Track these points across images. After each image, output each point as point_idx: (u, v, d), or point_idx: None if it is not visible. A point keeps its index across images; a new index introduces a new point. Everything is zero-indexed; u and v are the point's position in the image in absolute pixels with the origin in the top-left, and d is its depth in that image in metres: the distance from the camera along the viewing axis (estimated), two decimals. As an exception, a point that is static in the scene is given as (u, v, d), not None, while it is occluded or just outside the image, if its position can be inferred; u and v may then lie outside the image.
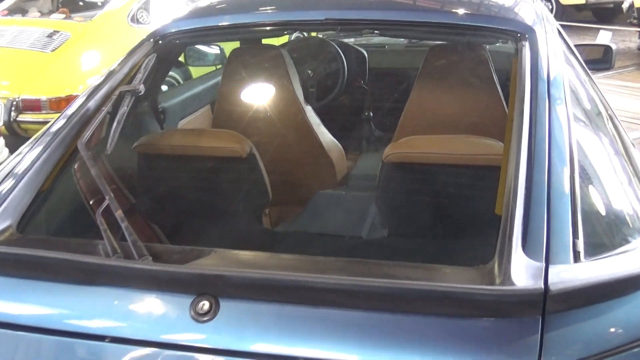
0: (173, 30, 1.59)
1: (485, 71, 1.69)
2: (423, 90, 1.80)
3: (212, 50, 2.93)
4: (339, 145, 2.01)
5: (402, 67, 2.74)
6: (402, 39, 2.97)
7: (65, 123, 1.21)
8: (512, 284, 0.75)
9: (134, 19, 4.08)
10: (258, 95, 1.92)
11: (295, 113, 1.88)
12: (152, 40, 1.55)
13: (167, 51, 1.65)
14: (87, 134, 1.17)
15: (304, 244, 1.42)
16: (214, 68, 2.99)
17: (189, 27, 1.62)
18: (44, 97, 3.37)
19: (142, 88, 1.34)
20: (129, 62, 1.44)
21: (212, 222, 1.42)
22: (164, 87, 2.59)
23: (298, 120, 1.88)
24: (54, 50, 3.71)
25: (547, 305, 0.72)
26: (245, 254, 0.97)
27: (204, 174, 1.52)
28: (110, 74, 1.39)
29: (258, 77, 1.90)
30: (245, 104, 1.91)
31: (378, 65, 2.81)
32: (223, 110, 1.95)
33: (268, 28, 1.64)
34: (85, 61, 3.75)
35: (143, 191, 1.46)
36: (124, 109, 1.28)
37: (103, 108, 1.26)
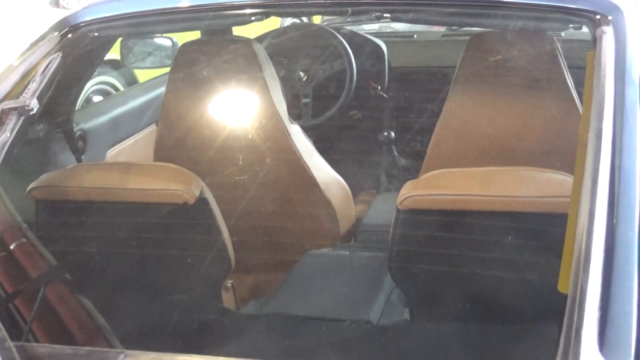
0: (89, 18, 1.60)
1: (554, 71, 1.70)
2: (463, 98, 1.82)
3: (163, 42, 2.95)
4: (343, 182, 2.04)
5: (438, 65, 2.79)
6: (437, 26, 3.05)
7: None
8: None
9: (56, 2, 4.16)
10: (219, 110, 1.94)
11: (274, 136, 1.90)
12: (57, 33, 1.56)
13: (83, 48, 1.68)
14: None
15: (284, 333, 1.40)
16: (166, 70, 3.02)
17: (115, 13, 1.64)
18: None
19: (34, 104, 1.33)
20: (22, 66, 1.44)
21: (140, 302, 1.42)
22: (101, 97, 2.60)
23: (279, 146, 1.90)
24: None
25: None
26: None
27: (132, 231, 1.52)
28: None
29: (219, 84, 1.93)
30: (199, 123, 1.93)
31: (403, 63, 2.86)
32: (167, 134, 1.97)
33: (238, 11, 1.68)
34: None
35: (40, 258, 1.45)
36: (5, 136, 1.26)
37: None
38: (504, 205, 1.32)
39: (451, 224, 1.36)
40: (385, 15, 1.65)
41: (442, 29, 3.09)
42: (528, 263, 1.29)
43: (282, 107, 1.93)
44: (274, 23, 3.08)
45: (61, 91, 1.74)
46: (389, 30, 3.27)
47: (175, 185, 1.47)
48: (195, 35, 2.21)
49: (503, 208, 1.32)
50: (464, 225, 1.35)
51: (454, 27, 2.98)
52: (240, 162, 1.88)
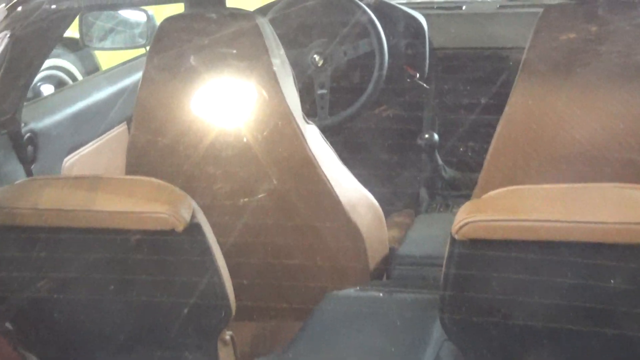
0: None
1: None
2: (534, 91, 1.81)
3: (134, 17, 2.95)
4: (373, 200, 2.06)
5: (495, 46, 2.82)
6: None
7: None
8: None
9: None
10: (213, 107, 1.95)
11: (286, 141, 1.92)
12: (3, 6, 1.58)
13: (36, 25, 1.70)
14: None
15: None
16: (140, 52, 3.02)
17: None
18: None
19: None
20: None
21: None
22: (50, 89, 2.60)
23: (292, 154, 1.91)
24: None
25: None
26: None
27: (102, 267, 1.53)
28: None
29: (213, 72, 1.94)
30: (187, 124, 1.95)
31: (448, 43, 2.90)
32: (144, 136, 1.98)
33: None
34: None
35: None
36: None
37: None
38: (597, 234, 1.31)
39: (526, 260, 1.35)
40: None
41: None
42: (634, 315, 1.28)
43: (294, 103, 1.95)
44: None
45: (6, 81, 1.74)
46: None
47: (159, 207, 1.47)
48: (179, 8, 2.20)
49: (595, 238, 1.30)
50: (544, 262, 1.35)
51: None
52: (241, 176, 1.89)
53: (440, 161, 2.71)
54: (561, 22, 1.84)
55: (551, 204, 1.39)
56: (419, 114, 2.79)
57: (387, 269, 2.06)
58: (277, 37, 1.98)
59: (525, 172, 1.74)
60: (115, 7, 2.67)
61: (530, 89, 1.81)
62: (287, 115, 1.90)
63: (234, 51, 1.92)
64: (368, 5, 2.71)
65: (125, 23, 2.94)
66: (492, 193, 1.45)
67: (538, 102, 1.80)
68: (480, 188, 1.79)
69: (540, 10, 1.90)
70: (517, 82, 1.84)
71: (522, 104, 1.81)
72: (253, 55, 1.90)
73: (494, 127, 1.84)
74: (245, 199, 1.90)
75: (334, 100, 2.67)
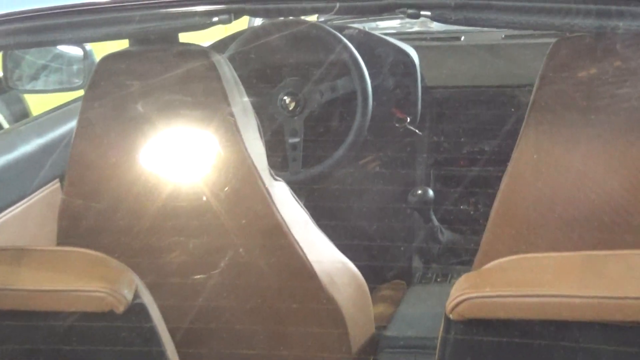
0: None
1: None
2: (545, 138, 1.83)
3: (69, 53, 2.96)
4: (355, 270, 2.07)
5: (498, 84, 2.87)
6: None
7: None
8: None
9: None
10: (162, 162, 1.96)
11: (248, 202, 1.92)
12: None
13: None
14: None
15: None
16: (77, 94, 3.02)
17: None
18: None
19: None
20: None
21: None
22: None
23: (255, 217, 1.92)
24: None
25: None
26: None
27: (27, 356, 1.53)
28: None
29: (162, 120, 1.95)
30: (131, 183, 1.95)
31: (444, 80, 2.95)
32: (79, 197, 1.98)
33: (190, 8, 1.72)
34: None
35: None
36: None
37: None
38: (620, 312, 1.31)
39: (534, 344, 1.36)
40: (422, 13, 1.65)
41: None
42: None
43: (259, 157, 1.95)
44: (238, 23, 3.12)
45: None
46: (419, 29, 3.31)
47: (95, 284, 1.47)
48: (122, 44, 2.21)
49: (619, 317, 1.31)
50: (556, 347, 1.36)
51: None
52: (198, 245, 1.90)
53: (436, 222, 2.71)
54: (575, 58, 1.84)
55: (564, 276, 1.40)
56: (410, 166, 2.80)
57: (373, 352, 2.06)
58: (237, 78, 1.98)
59: (533, 238, 1.74)
60: (46, 43, 2.67)
61: (539, 138, 1.82)
62: (250, 171, 1.90)
63: (186, 98, 1.93)
64: (348, 38, 2.72)
65: (61, 58, 2.93)
66: (493, 263, 1.45)
67: (547, 155, 1.80)
68: (482, 255, 1.79)
69: (553, 41, 1.91)
70: (523, 131, 1.84)
71: (528, 156, 1.82)
72: (209, 101, 1.91)
73: (499, 181, 1.85)
74: (203, 274, 1.90)
75: (309, 151, 2.67)
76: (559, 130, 1.81)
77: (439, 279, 2.59)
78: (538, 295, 1.35)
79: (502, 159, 1.89)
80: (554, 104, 1.83)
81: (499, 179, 1.85)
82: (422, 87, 2.79)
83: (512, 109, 2.67)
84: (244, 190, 1.92)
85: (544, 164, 1.81)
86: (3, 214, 2.35)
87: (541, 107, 1.83)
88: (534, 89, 1.84)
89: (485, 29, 3.14)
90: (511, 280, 1.40)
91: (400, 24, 3.34)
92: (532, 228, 1.76)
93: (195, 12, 1.72)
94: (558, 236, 1.72)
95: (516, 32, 3.12)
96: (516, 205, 1.82)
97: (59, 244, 1.99)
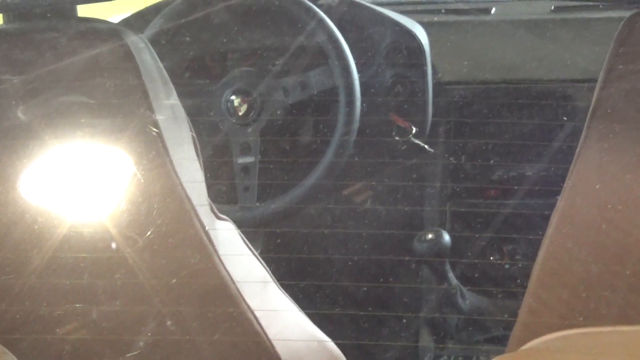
0: None
1: None
2: (610, 157, 1.85)
3: None
4: (337, 353, 2.09)
5: (546, 78, 2.89)
6: None
7: None
8: None
9: None
10: (58, 192, 1.98)
11: (179, 250, 1.95)
12: None
13: None
14: None
15: None
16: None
17: None
18: None
19: None
20: None
21: None
22: None
23: (190, 273, 1.94)
24: None
25: None
26: None
27: None
28: None
29: (54, 132, 1.97)
30: (15, 219, 1.97)
31: (466, 73, 2.97)
32: None
33: None
34: None
35: None
36: None
37: None
38: None
39: None
40: None
41: None
42: None
43: (194, 183, 1.98)
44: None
45: None
46: None
47: None
48: None
49: None
50: None
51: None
52: (102, 315, 1.91)
53: (454, 280, 2.69)
54: None
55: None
56: (417, 199, 2.81)
57: None
58: (163, 69, 2.00)
59: (595, 304, 1.75)
60: None
61: (603, 160, 1.84)
62: (182, 206, 1.93)
63: (90, 100, 1.95)
64: (326, 10, 2.74)
65: None
66: (537, 341, 1.50)
67: (615, 183, 1.83)
68: (521, 328, 1.78)
69: (625, 16, 1.92)
70: (581, 148, 1.85)
71: (589, 186, 1.84)
72: (122, 105, 1.93)
73: (546, 221, 1.86)
74: (119, 356, 1.92)
75: (267, 176, 2.68)
76: (634, 149, 1.83)
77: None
78: None
79: (550, 189, 1.91)
80: (626, 109, 1.85)
81: (547, 218, 1.86)
82: (433, 83, 2.79)
83: (565, 116, 2.67)
84: (173, 235, 1.94)
85: (610, 197, 1.83)
86: None
87: (607, 115, 1.84)
88: (597, 86, 1.85)
89: None
90: None
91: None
92: (594, 290, 1.77)
93: None
94: (633, 304, 1.73)
95: (570, 2, 3.10)
96: (571, 256, 1.83)
97: None
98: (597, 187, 1.84)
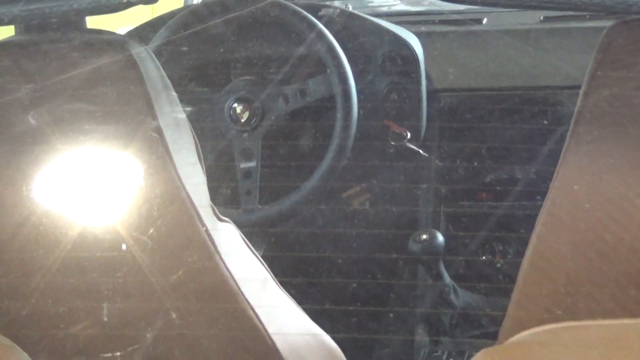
0: None
1: None
2: (590, 161, 1.86)
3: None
4: (333, 345, 2.09)
5: (535, 85, 2.89)
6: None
7: None
8: None
9: None
10: (67, 195, 1.98)
11: (183, 251, 1.95)
12: None
13: None
14: None
15: None
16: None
17: None
18: None
19: None
20: None
21: None
22: None
23: (194, 272, 1.94)
24: None
25: None
26: None
27: None
28: None
29: (63, 138, 1.97)
30: (22, 222, 1.96)
31: (459, 81, 2.97)
32: None
33: None
34: None
35: None
36: None
37: None
38: None
39: None
40: None
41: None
42: None
43: (196, 186, 1.98)
44: (171, 0, 3.09)
45: None
46: (424, 8, 3.32)
47: None
48: (7, 32, 2.24)
49: None
50: None
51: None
52: (110, 311, 1.91)
53: (447, 279, 2.69)
54: (638, 49, 1.85)
55: (622, 352, 1.43)
56: (411, 201, 2.81)
57: None
58: (167, 79, 2.00)
59: (580, 300, 1.75)
60: None
61: (583, 164, 1.83)
62: (185, 209, 1.92)
63: (96, 107, 1.95)
64: (325, 21, 2.75)
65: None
66: (523, 334, 1.49)
67: (597, 186, 1.82)
68: (510, 322, 1.78)
69: (607, 25, 1.90)
70: (565, 152, 1.85)
71: (571, 189, 1.84)
72: (127, 112, 1.93)
73: (534, 220, 1.85)
74: (120, 351, 1.90)
75: (268, 180, 2.68)
76: (613, 152, 1.83)
77: (451, 359, 2.60)
78: None
79: (539, 190, 1.89)
80: (607, 114, 1.84)
81: (534, 218, 1.86)
82: (427, 90, 2.81)
83: (554, 122, 2.67)
84: (176, 236, 1.94)
85: (592, 197, 1.83)
86: None
87: (589, 120, 1.84)
88: (581, 93, 1.84)
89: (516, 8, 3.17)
90: (548, 357, 1.44)
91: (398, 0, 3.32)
92: (577, 285, 1.77)
93: None
94: (614, 298, 1.73)
95: (558, 12, 3.08)
96: (557, 254, 1.83)
97: None
98: (580, 188, 1.84)
